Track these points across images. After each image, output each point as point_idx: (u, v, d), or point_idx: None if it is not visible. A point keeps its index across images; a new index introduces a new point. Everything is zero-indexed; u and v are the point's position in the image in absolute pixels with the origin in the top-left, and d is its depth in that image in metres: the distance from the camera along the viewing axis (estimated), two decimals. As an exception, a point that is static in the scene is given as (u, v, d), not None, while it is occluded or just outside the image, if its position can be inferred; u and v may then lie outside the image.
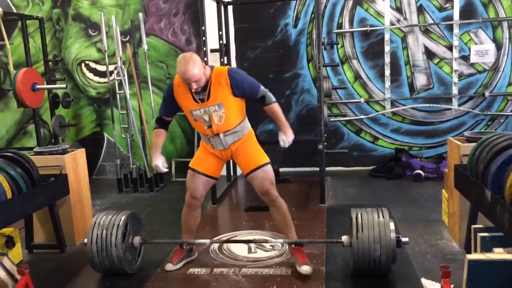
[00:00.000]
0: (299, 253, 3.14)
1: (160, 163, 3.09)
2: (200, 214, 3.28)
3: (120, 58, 5.48)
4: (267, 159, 3.10)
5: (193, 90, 2.88)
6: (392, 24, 5.66)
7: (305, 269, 3.04)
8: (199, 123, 3.02)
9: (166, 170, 3.14)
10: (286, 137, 3.04)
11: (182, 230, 3.29)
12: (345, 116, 5.89)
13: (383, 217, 2.93)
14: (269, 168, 3.08)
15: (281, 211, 3.13)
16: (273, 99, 3.07)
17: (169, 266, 3.23)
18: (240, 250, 3.56)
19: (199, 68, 2.82)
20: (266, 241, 3.59)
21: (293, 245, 3.17)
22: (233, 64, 5.78)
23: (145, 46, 5.68)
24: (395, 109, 5.82)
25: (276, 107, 3.07)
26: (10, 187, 3.15)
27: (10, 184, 3.16)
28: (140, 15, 5.67)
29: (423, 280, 2.86)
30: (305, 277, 3.05)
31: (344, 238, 3.01)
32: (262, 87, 3.04)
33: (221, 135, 3.00)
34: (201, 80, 2.85)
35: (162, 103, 3.14)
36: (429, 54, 5.69)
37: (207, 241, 3.38)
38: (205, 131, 3.03)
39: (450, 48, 5.61)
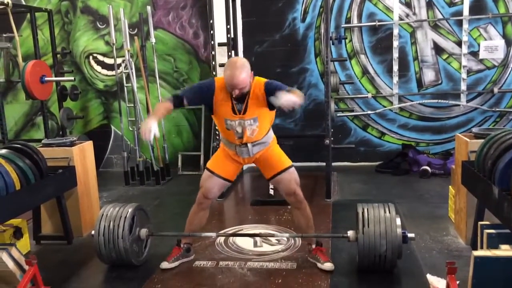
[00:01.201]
0: (320, 252, 3.15)
1: (152, 128, 2.73)
2: (207, 215, 3.25)
3: (128, 51, 5.49)
4: (291, 162, 3.09)
5: (233, 96, 2.81)
6: (401, 19, 5.62)
7: (328, 266, 3.05)
8: (231, 133, 2.96)
9: (152, 138, 2.76)
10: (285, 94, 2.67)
11: (185, 228, 3.24)
12: (352, 111, 5.87)
13: (389, 212, 2.93)
14: (294, 170, 3.07)
15: (305, 212, 3.12)
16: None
17: (164, 264, 3.20)
18: (246, 243, 3.57)
19: (247, 75, 2.75)
20: (272, 235, 3.60)
21: (313, 245, 3.17)
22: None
23: (153, 40, 5.68)
24: (402, 104, 5.79)
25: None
26: (18, 178, 3.18)
27: (18, 175, 3.19)
28: (148, 8, 5.67)
29: (428, 276, 2.86)
30: (311, 271, 3.06)
31: (350, 233, 3.01)
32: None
33: (249, 145, 2.97)
34: (245, 88, 2.79)
35: (193, 90, 2.97)
36: (438, 49, 5.65)
37: (213, 234, 3.39)
38: (234, 140, 2.99)
39: (459, 43, 5.57)
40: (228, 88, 2.80)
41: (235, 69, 2.73)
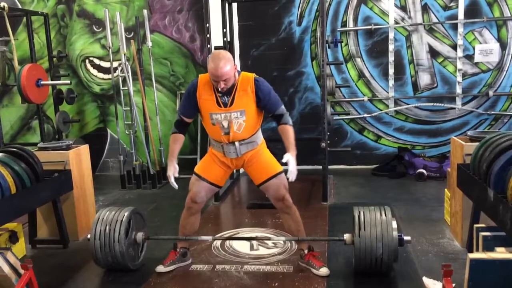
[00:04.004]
0: (313, 257, 3.13)
1: (171, 173, 3.00)
2: (198, 220, 3.22)
3: (124, 54, 5.49)
4: (281, 168, 3.07)
5: (219, 89, 2.81)
6: (396, 22, 5.65)
7: (324, 271, 3.04)
8: (217, 128, 2.94)
9: (176, 186, 3.01)
10: (294, 159, 2.87)
11: (179, 233, 3.24)
12: (348, 114, 5.89)
13: (385, 215, 2.93)
14: (283, 176, 3.05)
15: (295, 217, 3.10)
16: (291, 121, 3.01)
17: (160, 268, 3.19)
18: (242, 247, 3.57)
19: (231, 67, 2.78)
20: (269, 239, 3.60)
21: (306, 251, 3.16)
22: (237, 62, 5.78)
23: (149, 43, 5.68)
24: (398, 108, 5.81)
25: (291, 130, 2.98)
26: (14, 182, 3.17)
27: (14, 179, 3.18)
28: (145, 11, 5.67)
29: (424, 279, 2.87)
30: (307, 274, 3.07)
31: (346, 236, 3.01)
32: (283, 106, 3.00)
33: (236, 143, 2.95)
34: (229, 80, 2.80)
35: (182, 102, 3.03)
36: (433, 53, 5.68)
37: (209, 237, 3.40)
38: (220, 138, 2.96)
39: (454, 47, 5.60)
40: (213, 81, 2.82)
41: (219, 60, 2.74)
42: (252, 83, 2.89)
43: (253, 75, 2.95)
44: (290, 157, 2.87)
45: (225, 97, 2.89)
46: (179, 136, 3.07)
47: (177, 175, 3.03)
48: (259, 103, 2.93)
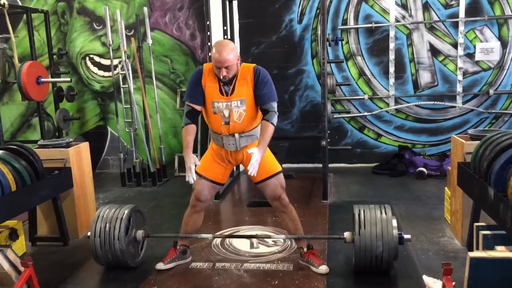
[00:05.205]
0: (313, 255, 3.14)
1: (192, 164, 2.80)
2: (202, 218, 3.23)
3: (125, 52, 5.49)
4: (280, 167, 3.07)
5: (221, 77, 2.82)
6: (397, 21, 5.64)
7: (323, 268, 3.05)
8: (217, 117, 2.94)
9: (194, 178, 2.82)
10: (259, 155, 2.76)
11: (181, 230, 3.25)
12: (348, 112, 5.88)
13: (385, 214, 2.93)
14: (281, 176, 3.05)
15: (292, 216, 3.11)
16: (275, 121, 2.90)
17: (160, 265, 3.20)
18: (242, 245, 3.57)
19: (234, 55, 2.79)
20: (269, 237, 3.60)
21: (305, 249, 3.16)
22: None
23: (150, 41, 5.67)
24: (399, 106, 5.81)
25: (271, 129, 2.87)
26: (14, 179, 3.17)
27: (14, 177, 3.18)
28: (145, 9, 5.66)
29: (424, 277, 2.87)
30: (307, 272, 3.07)
31: (347, 234, 3.01)
32: (275, 104, 2.94)
33: (236, 135, 2.95)
34: (231, 68, 2.81)
35: (189, 89, 2.96)
36: (434, 51, 5.67)
37: (209, 235, 3.39)
38: (220, 128, 2.96)
39: (455, 45, 5.59)
40: (215, 68, 2.82)
41: (222, 47, 2.78)
42: (251, 72, 2.90)
43: (254, 65, 2.96)
44: (256, 151, 2.76)
45: (227, 86, 2.90)
46: (192, 126, 2.97)
47: (198, 163, 2.88)
48: (255, 90, 2.89)
